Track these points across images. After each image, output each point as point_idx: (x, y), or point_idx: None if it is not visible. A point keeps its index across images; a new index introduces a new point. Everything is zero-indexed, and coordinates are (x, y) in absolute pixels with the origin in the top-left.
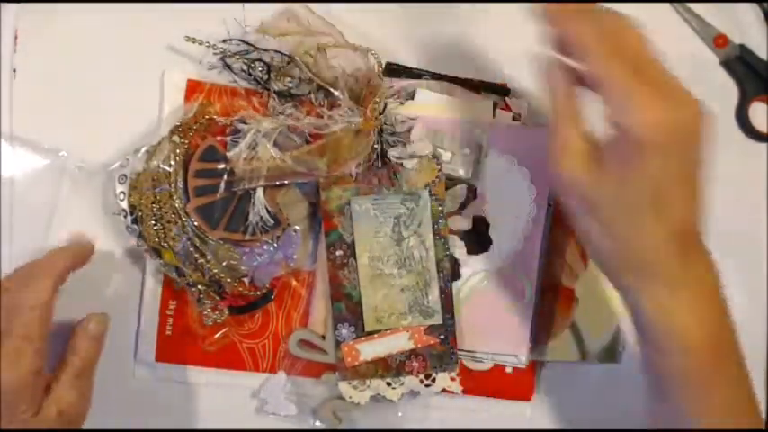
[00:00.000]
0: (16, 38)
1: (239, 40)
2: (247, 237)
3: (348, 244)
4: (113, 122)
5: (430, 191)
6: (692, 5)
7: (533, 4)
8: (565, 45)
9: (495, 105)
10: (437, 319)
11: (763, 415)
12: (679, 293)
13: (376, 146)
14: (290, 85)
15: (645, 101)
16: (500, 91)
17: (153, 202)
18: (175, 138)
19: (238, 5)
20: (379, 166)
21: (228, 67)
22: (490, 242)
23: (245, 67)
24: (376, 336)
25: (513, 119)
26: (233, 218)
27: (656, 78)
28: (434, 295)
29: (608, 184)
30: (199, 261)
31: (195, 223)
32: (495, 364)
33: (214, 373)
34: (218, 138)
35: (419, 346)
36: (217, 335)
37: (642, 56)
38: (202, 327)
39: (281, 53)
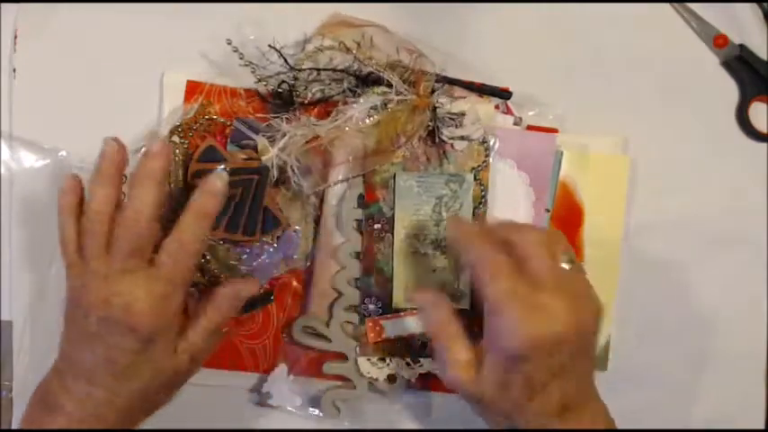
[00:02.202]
0: (16, 38)
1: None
2: (247, 237)
3: (387, 218)
4: (113, 122)
5: (475, 175)
6: (691, 5)
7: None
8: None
9: (496, 108)
10: (465, 304)
11: (762, 414)
12: None
13: (430, 123)
14: (320, 88)
15: (518, 319)
16: (502, 95)
17: None
18: (175, 138)
19: (238, 5)
20: (430, 144)
21: (263, 97)
22: None
23: (271, 89)
24: (402, 314)
25: (515, 123)
26: (233, 218)
27: (530, 291)
28: (466, 279)
29: (487, 384)
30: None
31: None
32: None
33: (214, 373)
34: (218, 138)
35: None
36: None
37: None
38: None
39: (325, 69)
